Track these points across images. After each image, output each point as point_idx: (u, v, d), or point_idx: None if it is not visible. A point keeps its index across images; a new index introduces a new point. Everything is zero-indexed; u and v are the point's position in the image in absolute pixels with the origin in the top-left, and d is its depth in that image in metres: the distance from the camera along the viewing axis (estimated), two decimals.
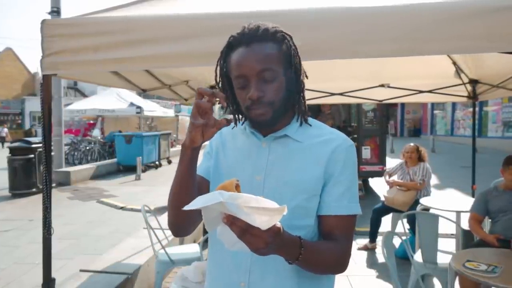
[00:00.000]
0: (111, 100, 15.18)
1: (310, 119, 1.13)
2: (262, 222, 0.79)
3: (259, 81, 1.01)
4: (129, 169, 11.36)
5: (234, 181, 0.85)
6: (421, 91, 4.86)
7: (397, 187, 4.63)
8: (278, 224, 0.84)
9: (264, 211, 0.78)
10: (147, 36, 2.14)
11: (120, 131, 14.93)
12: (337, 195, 1.05)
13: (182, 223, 1.10)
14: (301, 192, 1.04)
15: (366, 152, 7.71)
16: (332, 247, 1.03)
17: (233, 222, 0.79)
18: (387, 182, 4.84)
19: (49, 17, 9.20)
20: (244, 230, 0.79)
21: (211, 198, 0.78)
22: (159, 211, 5.77)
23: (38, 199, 7.28)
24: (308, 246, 0.95)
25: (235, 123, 1.14)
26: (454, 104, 20.95)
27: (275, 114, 1.04)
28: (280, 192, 1.04)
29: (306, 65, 1.13)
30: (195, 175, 1.04)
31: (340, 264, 1.05)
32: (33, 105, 30.39)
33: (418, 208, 4.01)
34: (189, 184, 1.03)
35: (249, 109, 1.04)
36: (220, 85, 1.11)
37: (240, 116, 1.12)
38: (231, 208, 0.77)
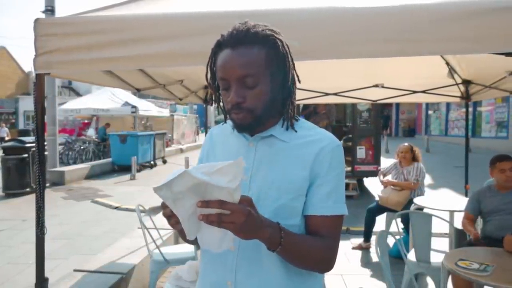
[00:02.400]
0: (105, 99, 15.11)
1: (299, 119, 1.14)
2: (229, 181, 0.81)
3: (240, 86, 1.00)
4: (124, 168, 11.32)
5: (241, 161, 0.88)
6: (415, 91, 4.89)
7: (391, 186, 4.65)
8: (249, 197, 0.88)
9: (224, 169, 0.81)
10: (141, 35, 2.13)
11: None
12: (323, 196, 1.05)
13: (195, 242, 1.17)
14: (286, 192, 1.04)
15: (361, 152, 7.74)
16: (316, 240, 1.03)
17: (208, 215, 0.81)
18: (381, 181, 4.86)
19: (43, 16, 9.14)
20: (219, 214, 0.81)
21: (176, 172, 0.80)
22: (153, 211, 5.76)
23: (32, 199, 7.23)
24: (289, 232, 0.96)
25: (225, 120, 1.16)
26: (448, 105, 21.05)
27: (255, 120, 1.03)
28: (266, 192, 1.04)
29: (300, 64, 1.13)
30: None
31: (326, 260, 1.05)
32: (27, 104, 30.14)
33: (412, 207, 4.03)
34: None
35: (229, 113, 1.05)
36: (209, 81, 1.11)
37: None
38: (196, 175, 0.79)
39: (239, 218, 0.82)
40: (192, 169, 0.80)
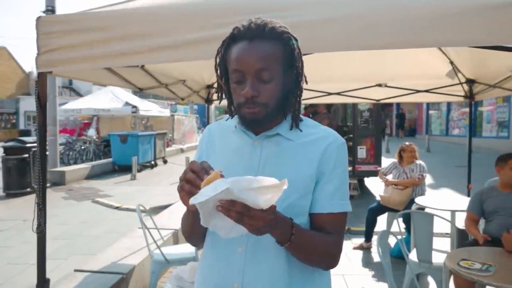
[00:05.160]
0: (106, 99, 15.09)
1: (303, 118, 1.13)
2: (266, 200, 0.80)
3: (256, 79, 1.00)
4: (125, 169, 11.31)
5: (218, 172, 0.85)
6: (418, 91, 4.88)
7: (393, 186, 4.64)
8: (274, 204, 0.86)
9: (266, 189, 0.80)
10: (144, 30, 2.10)
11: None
12: (329, 193, 1.05)
13: (200, 243, 1.19)
14: (294, 191, 1.03)
15: (362, 152, 7.73)
16: (324, 236, 1.04)
17: (229, 208, 0.80)
18: (385, 182, 4.82)
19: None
20: (242, 214, 0.81)
21: (217, 187, 0.78)
22: (154, 211, 5.75)
23: (32, 199, 7.22)
24: (299, 228, 0.97)
25: (230, 116, 1.15)
26: (449, 104, 21.01)
27: (267, 115, 1.03)
28: None
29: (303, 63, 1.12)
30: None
31: (332, 256, 1.06)
32: (28, 104, 30.15)
33: (413, 207, 4.02)
34: (198, 224, 1.02)
35: (241, 107, 1.03)
36: (218, 74, 1.10)
37: (233, 111, 1.11)
38: (236, 193, 0.78)
39: (258, 223, 0.83)
40: (233, 182, 0.78)
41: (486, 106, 17.57)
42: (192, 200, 0.80)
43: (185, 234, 1.16)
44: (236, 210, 0.80)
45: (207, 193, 0.79)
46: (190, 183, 0.88)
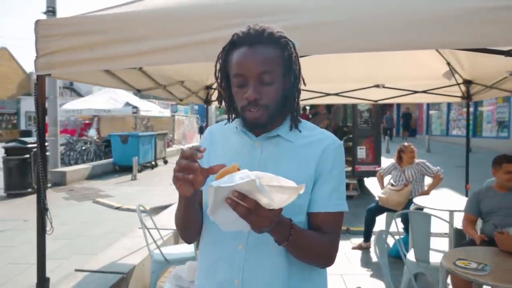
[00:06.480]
0: (107, 100, 15.12)
1: (301, 121, 1.17)
2: (280, 200, 0.82)
3: (258, 82, 1.04)
4: (125, 169, 11.33)
5: (236, 166, 0.87)
6: (416, 92, 4.90)
7: (390, 186, 4.66)
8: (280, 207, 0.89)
9: (284, 190, 0.82)
10: (142, 33, 2.13)
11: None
12: (326, 193, 1.09)
13: (193, 238, 1.21)
14: None
15: (361, 152, 7.75)
16: (321, 236, 1.08)
17: (238, 202, 0.81)
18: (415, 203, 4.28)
19: (44, 17, 9.16)
20: (250, 211, 0.83)
21: (243, 176, 0.79)
22: (154, 211, 5.78)
23: (33, 199, 7.24)
24: (298, 229, 1.00)
25: (228, 120, 1.18)
26: (449, 105, 20.98)
27: (269, 117, 1.07)
28: None
29: (301, 64, 1.14)
30: (195, 207, 1.10)
31: (328, 255, 1.09)
32: (29, 105, 30.19)
33: (412, 207, 4.04)
34: (191, 215, 1.09)
35: (244, 110, 1.07)
36: (218, 80, 1.13)
37: (232, 115, 1.15)
38: (259, 187, 0.78)
39: (264, 223, 0.86)
40: (256, 176, 0.79)
41: (486, 106, 17.55)
42: (216, 183, 0.80)
43: (179, 226, 1.16)
44: (246, 205, 0.82)
45: (232, 180, 0.80)
46: (183, 170, 0.90)
